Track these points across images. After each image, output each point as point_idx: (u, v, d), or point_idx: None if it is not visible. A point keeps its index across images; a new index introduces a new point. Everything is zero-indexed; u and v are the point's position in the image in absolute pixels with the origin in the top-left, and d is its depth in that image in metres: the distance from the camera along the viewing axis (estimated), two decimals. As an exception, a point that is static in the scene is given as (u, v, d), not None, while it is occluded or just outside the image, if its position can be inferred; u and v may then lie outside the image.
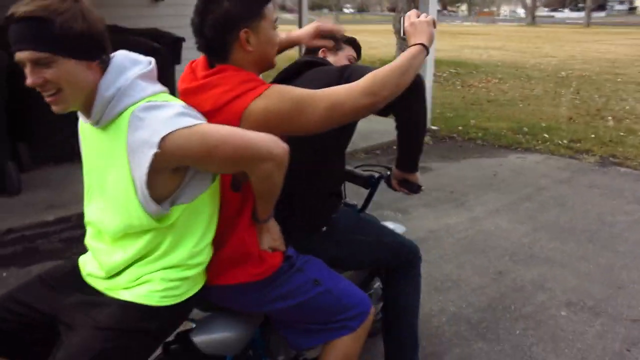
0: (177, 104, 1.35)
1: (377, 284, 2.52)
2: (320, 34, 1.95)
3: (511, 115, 7.91)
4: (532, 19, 45.14)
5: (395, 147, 6.07)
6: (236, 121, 1.44)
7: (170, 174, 1.36)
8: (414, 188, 1.99)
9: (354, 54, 2.11)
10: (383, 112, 1.84)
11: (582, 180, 5.02)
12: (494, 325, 2.72)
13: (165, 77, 5.58)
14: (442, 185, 4.91)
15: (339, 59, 2.05)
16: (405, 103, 1.77)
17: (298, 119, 1.49)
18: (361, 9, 74.38)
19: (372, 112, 1.60)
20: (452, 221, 4.08)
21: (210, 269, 1.57)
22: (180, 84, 1.57)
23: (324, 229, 1.89)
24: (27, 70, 1.23)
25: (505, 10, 70.66)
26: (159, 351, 1.64)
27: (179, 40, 6.47)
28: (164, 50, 5.79)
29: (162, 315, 1.43)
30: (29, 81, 1.24)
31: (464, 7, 75.24)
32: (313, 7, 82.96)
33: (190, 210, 1.43)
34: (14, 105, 4.19)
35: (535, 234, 3.82)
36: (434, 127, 6.84)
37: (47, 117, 2.64)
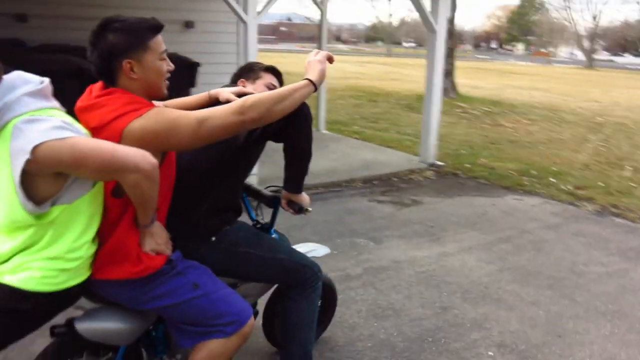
0: (56, 119, 1.55)
1: None
2: (239, 95, 2.08)
3: (525, 157, 7.84)
4: (590, 63, 44.14)
5: (394, 179, 6.13)
6: (117, 138, 1.63)
7: (52, 178, 1.55)
8: (296, 208, 2.15)
9: (274, 81, 2.27)
10: (275, 139, 2.02)
11: (571, 227, 4.95)
12: (415, 356, 2.78)
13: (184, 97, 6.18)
14: (426, 219, 4.97)
15: (257, 87, 2.22)
16: (291, 131, 1.95)
17: (173, 136, 1.68)
18: (419, 44, 74.70)
19: (241, 129, 1.76)
20: (420, 254, 4.13)
21: (94, 264, 1.76)
22: (77, 103, 1.78)
23: (213, 239, 2.05)
24: None
25: (563, 51, 69.35)
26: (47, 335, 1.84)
27: (195, 65, 6.86)
28: (179, 74, 6.22)
29: (37, 299, 1.61)
30: None
31: (520, 46, 74.35)
32: (368, 40, 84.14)
33: (70, 210, 1.62)
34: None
35: (497, 275, 3.83)
36: (439, 163, 6.88)
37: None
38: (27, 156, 1.46)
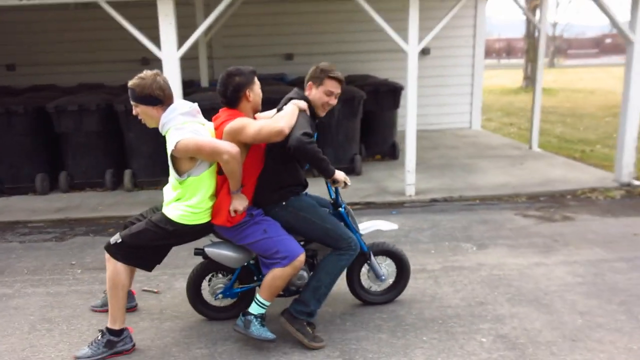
0: (189, 128, 2.92)
1: (387, 262, 3.60)
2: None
3: None
4: None
5: (568, 196, 6.19)
6: (220, 135, 3.00)
7: (188, 160, 2.96)
8: (333, 182, 3.22)
9: (333, 88, 3.22)
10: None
11: None
12: (411, 328, 3.29)
13: (388, 116, 8.45)
14: (556, 234, 4.93)
15: (318, 92, 3.21)
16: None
17: (241, 135, 2.94)
18: None
19: (270, 140, 2.96)
20: (511, 261, 4.32)
21: (212, 213, 3.07)
22: (213, 117, 3.17)
23: (283, 203, 3.18)
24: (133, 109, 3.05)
25: None
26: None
27: (399, 89, 7.96)
28: (386, 96, 8.00)
29: (176, 226, 3.02)
30: (134, 112, 3.05)
31: None
32: None
33: (197, 180, 3.00)
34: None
35: (571, 287, 3.80)
36: (636, 182, 6.30)
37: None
38: (172, 147, 2.89)
